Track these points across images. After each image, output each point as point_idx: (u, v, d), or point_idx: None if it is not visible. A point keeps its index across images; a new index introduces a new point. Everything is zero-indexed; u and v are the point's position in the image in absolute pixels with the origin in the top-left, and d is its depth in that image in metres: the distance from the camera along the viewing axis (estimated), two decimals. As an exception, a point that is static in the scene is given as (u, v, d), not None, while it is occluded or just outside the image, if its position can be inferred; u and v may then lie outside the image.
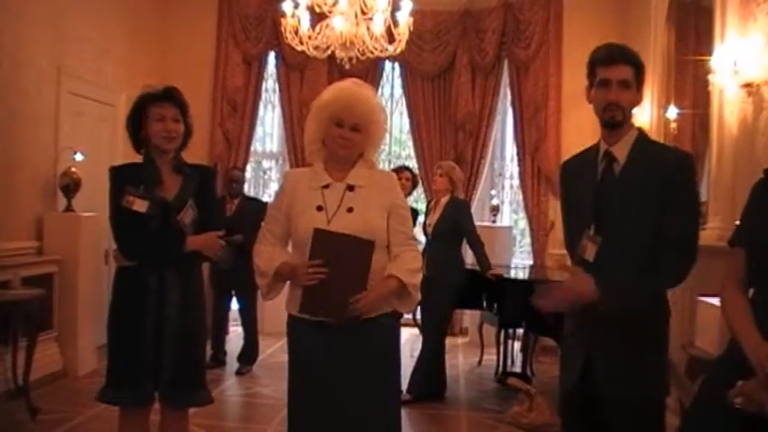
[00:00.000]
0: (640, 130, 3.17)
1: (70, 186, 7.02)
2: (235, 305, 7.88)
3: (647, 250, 2.95)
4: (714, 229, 5.14)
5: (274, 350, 8.11)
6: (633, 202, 2.98)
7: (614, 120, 3.02)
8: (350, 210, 3.24)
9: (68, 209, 7.04)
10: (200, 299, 3.89)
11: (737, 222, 2.75)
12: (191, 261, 3.76)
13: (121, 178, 3.69)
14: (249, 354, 7.63)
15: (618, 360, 2.95)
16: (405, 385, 6.45)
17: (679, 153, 3.23)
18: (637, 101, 3.09)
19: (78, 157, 7.12)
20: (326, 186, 3.29)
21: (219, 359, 7.71)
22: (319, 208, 3.24)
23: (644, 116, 7.65)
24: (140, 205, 3.59)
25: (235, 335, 8.16)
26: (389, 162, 10.55)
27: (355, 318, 3.15)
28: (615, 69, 3.02)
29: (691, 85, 6.74)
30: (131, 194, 3.59)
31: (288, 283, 3.32)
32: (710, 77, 5.43)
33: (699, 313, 4.72)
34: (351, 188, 3.28)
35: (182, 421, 3.87)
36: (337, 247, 3.16)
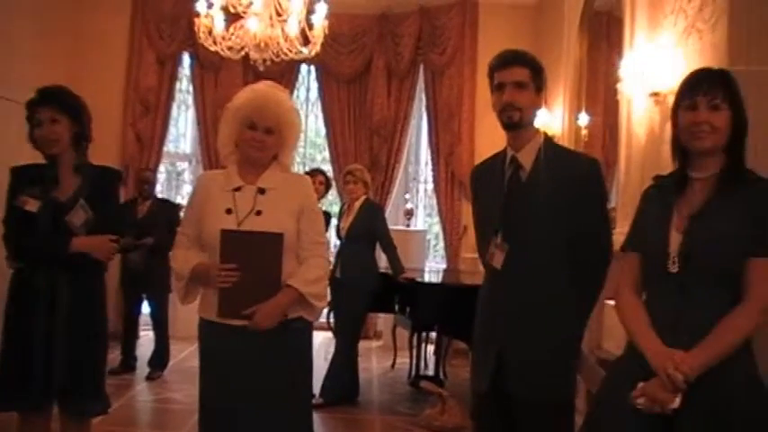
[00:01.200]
0: (546, 136, 3.20)
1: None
2: (146, 308, 7.73)
3: (555, 257, 2.99)
4: (622, 234, 5.19)
5: (186, 355, 7.99)
6: (540, 209, 3.01)
7: (512, 120, 3.06)
8: (259, 213, 3.22)
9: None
10: (95, 301, 3.76)
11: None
12: (82, 262, 3.61)
13: (20, 178, 3.62)
14: (160, 358, 7.48)
15: (527, 362, 2.99)
16: (318, 389, 6.45)
17: (586, 159, 3.29)
18: (536, 103, 3.12)
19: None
20: (238, 189, 3.27)
21: (130, 364, 7.53)
22: (228, 211, 3.22)
23: (556, 123, 7.78)
24: (32, 205, 3.52)
25: (146, 339, 8.00)
26: (304, 165, 10.54)
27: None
28: (509, 71, 3.06)
29: (602, 93, 6.86)
30: (25, 194, 3.53)
31: None
32: (619, 86, 5.54)
33: (606, 316, 4.81)
34: (262, 191, 3.26)
35: (80, 429, 3.77)
36: (246, 246, 3.15)
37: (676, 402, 2.29)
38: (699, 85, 2.51)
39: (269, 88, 3.35)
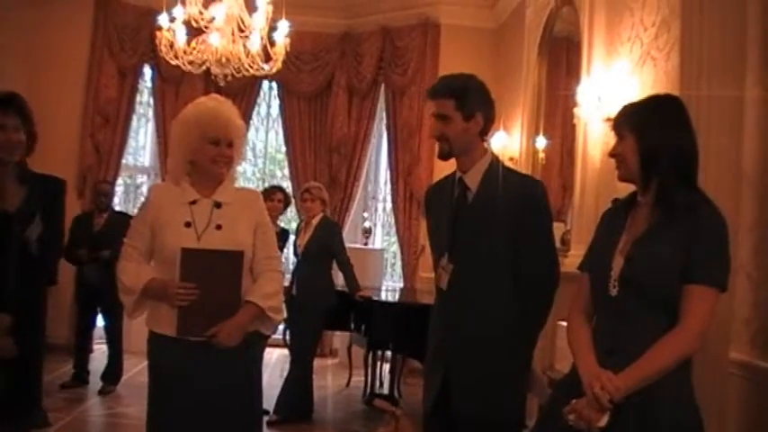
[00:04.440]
0: (494, 158, 3.23)
1: None
2: (100, 322, 7.64)
3: (499, 277, 3.02)
4: (576, 257, 5.27)
5: (139, 369, 7.90)
6: (485, 230, 3.04)
7: (442, 152, 3.12)
8: (218, 227, 3.21)
9: None
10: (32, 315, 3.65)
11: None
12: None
13: None
14: (113, 373, 7.40)
15: (471, 381, 3.01)
16: (273, 405, 6.44)
17: (530, 181, 3.33)
18: (468, 129, 3.13)
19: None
20: (194, 202, 3.25)
21: (82, 378, 7.44)
22: (188, 224, 3.20)
23: (514, 145, 7.86)
24: None
25: (99, 353, 7.91)
26: (264, 181, 10.53)
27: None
28: (434, 103, 3.12)
29: (560, 116, 6.93)
30: None
31: None
32: (576, 110, 5.62)
33: (558, 337, 4.86)
34: (218, 205, 3.26)
35: None
36: (207, 265, 3.14)
37: (603, 421, 2.34)
38: (615, 122, 2.63)
39: (218, 103, 3.34)
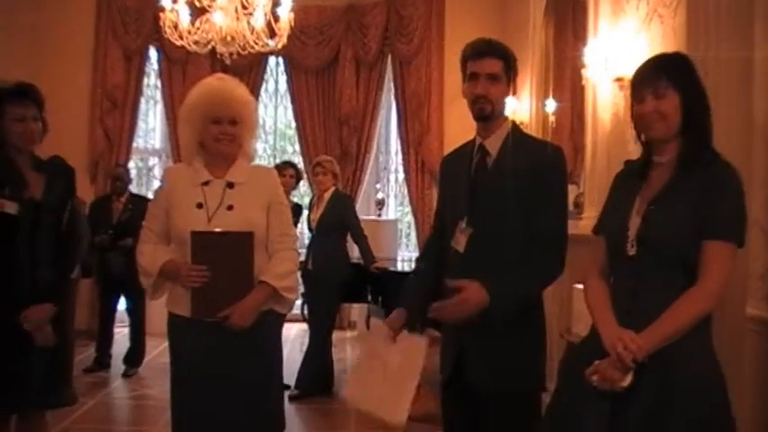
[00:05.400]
0: (514, 124, 3.22)
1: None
2: (121, 305, 7.69)
3: (518, 243, 3.02)
4: (589, 219, 5.28)
5: (161, 350, 7.96)
6: (504, 195, 3.04)
7: (483, 112, 3.08)
8: (230, 207, 3.23)
9: None
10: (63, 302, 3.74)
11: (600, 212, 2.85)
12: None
13: None
14: (135, 355, 7.47)
15: (490, 353, 3.01)
16: (293, 380, 6.48)
17: (550, 147, 3.31)
18: (507, 93, 3.14)
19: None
20: (206, 183, 3.27)
21: (105, 362, 7.51)
22: (200, 205, 3.22)
23: (523, 110, 7.82)
24: (10, 207, 3.45)
25: (120, 336, 7.97)
26: (275, 157, 10.52)
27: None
28: (483, 63, 3.06)
29: (569, 79, 6.89)
30: None
31: None
32: (584, 72, 5.58)
33: (575, 300, 4.86)
34: (231, 185, 3.27)
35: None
36: (217, 247, 3.16)
37: (627, 381, 2.35)
38: (643, 78, 2.55)
39: (221, 81, 3.36)
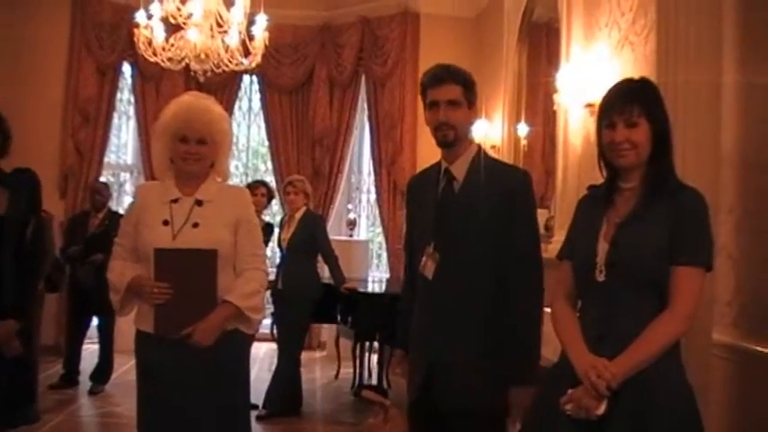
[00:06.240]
0: (479, 148, 3.23)
1: None
2: (93, 322, 7.60)
3: (485, 268, 3.03)
4: (559, 242, 5.31)
5: (128, 368, 7.88)
6: (472, 221, 3.04)
7: (446, 139, 3.09)
8: (195, 225, 3.21)
9: None
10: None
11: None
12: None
13: None
14: (103, 372, 7.37)
15: (456, 372, 3.02)
16: (261, 400, 6.44)
17: (518, 172, 3.33)
18: (469, 118, 3.16)
19: None
20: (176, 201, 3.25)
21: (72, 379, 7.40)
22: (165, 222, 3.20)
23: (496, 133, 7.87)
24: None
25: (87, 352, 7.87)
26: (247, 175, 10.51)
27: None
28: (441, 90, 3.08)
29: (542, 103, 6.94)
30: None
31: None
32: (555, 97, 5.63)
33: (543, 324, 4.87)
34: (199, 203, 3.25)
35: None
36: (180, 264, 3.15)
37: (601, 409, 2.34)
38: (614, 104, 2.54)
39: (194, 99, 3.35)
